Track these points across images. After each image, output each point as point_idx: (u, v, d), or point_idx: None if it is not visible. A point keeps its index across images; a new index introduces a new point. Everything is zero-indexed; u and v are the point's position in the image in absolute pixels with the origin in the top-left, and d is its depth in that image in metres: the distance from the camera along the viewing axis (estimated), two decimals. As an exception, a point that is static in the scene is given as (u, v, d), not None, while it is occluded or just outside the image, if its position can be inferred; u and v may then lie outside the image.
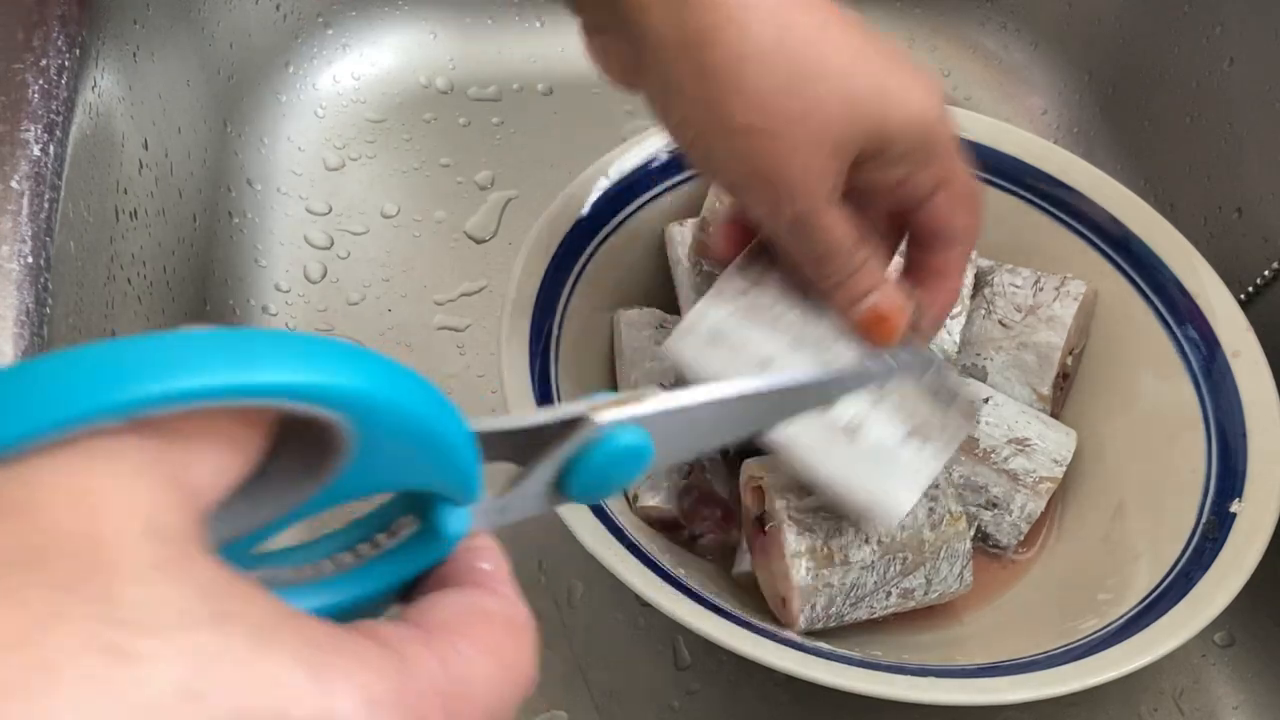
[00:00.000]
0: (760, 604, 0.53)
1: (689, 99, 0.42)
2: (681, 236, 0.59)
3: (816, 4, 0.43)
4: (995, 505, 0.55)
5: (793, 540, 0.50)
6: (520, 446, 0.29)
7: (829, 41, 0.42)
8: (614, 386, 0.58)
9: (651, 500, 0.53)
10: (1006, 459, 0.55)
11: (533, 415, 0.28)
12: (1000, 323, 0.58)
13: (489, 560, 0.28)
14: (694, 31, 0.41)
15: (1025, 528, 0.56)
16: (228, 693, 0.19)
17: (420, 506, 0.28)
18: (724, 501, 0.55)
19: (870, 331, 0.48)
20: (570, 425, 0.28)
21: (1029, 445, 0.56)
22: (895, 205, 0.48)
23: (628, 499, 0.54)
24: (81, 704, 0.18)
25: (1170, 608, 0.49)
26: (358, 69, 0.75)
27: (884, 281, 0.48)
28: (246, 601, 0.21)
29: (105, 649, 0.19)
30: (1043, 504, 0.55)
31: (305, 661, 0.21)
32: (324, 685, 0.21)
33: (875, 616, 0.52)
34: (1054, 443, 0.56)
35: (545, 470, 0.29)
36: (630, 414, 0.29)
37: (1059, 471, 0.56)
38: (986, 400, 0.56)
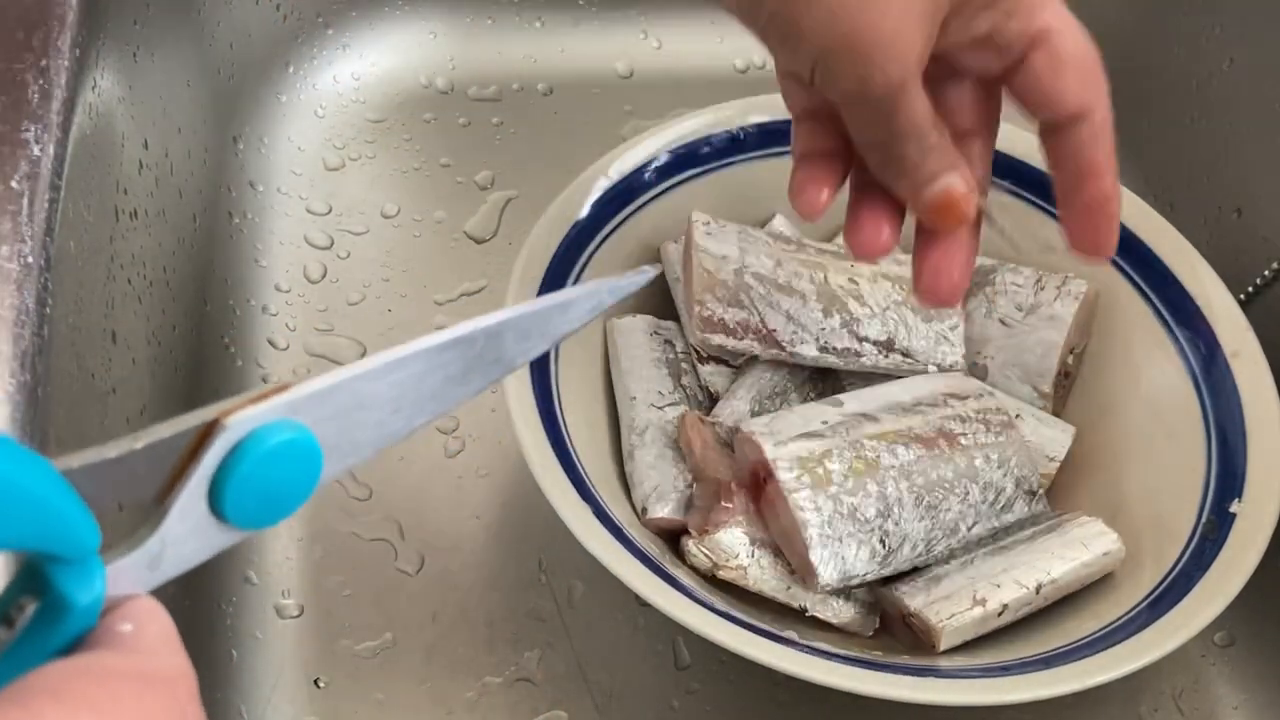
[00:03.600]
0: (761, 604, 0.53)
1: None
2: (679, 255, 0.59)
3: None
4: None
5: (787, 474, 0.50)
6: (145, 476, 0.24)
7: None
8: (611, 388, 0.58)
9: (661, 511, 0.53)
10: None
11: (146, 434, 0.23)
12: (1001, 321, 0.58)
13: (131, 620, 0.24)
14: None
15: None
16: None
17: (39, 582, 0.24)
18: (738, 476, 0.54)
19: (941, 215, 0.44)
20: (202, 437, 0.23)
21: None
22: (986, 71, 0.44)
23: (636, 511, 0.54)
24: None
25: (1170, 608, 0.49)
26: (358, 69, 0.75)
27: (959, 161, 0.44)
28: None
29: None
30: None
31: None
32: None
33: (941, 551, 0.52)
34: (1047, 438, 0.56)
35: (189, 499, 0.24)
36: (273, 406, 0.24)
37: (1052, 468, 0.56)
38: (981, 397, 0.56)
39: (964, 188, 0.44)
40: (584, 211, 0.57)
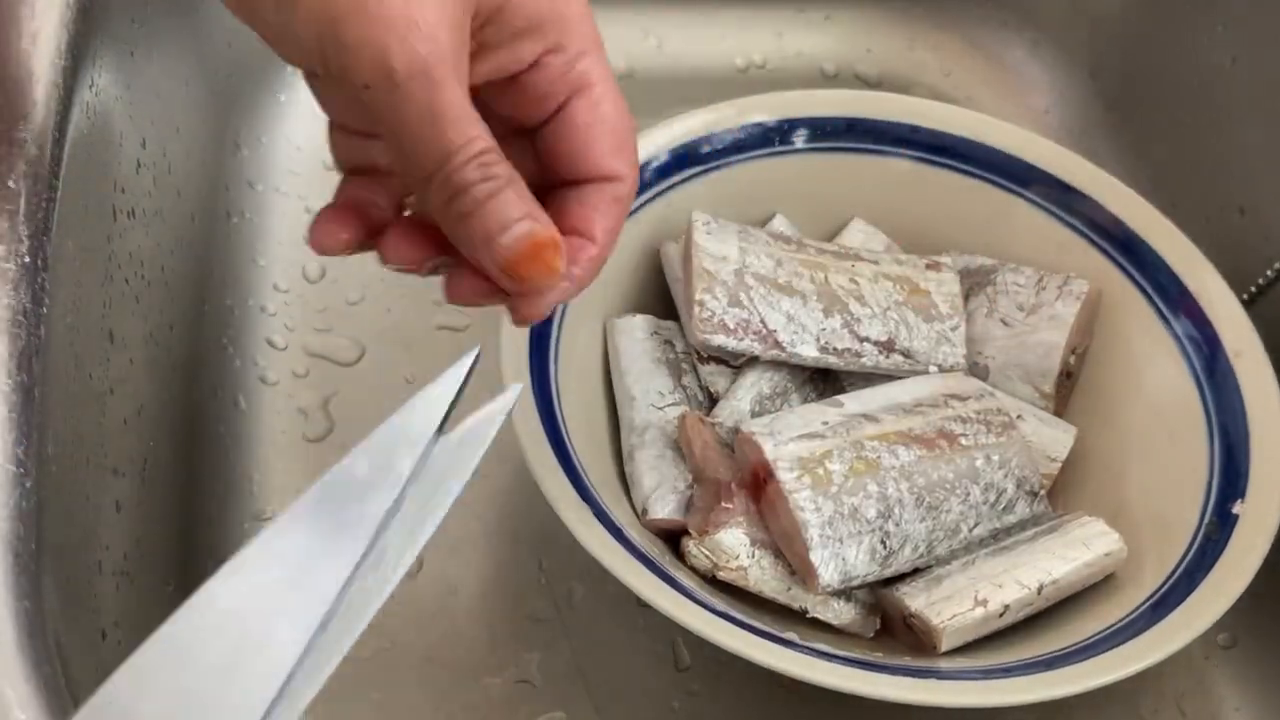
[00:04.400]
0: (761, 605, 0.52)
1: None
2: (679, 255, 0.59)
3: None
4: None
5: (788, 475, 0.50)
6: None
7: None
8: (611, 388, 0.58)
9: (661, 511, 0.53)
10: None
11: None
12: (1002, 321, 0.58)
13: None
14: None
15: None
16: None
17: None
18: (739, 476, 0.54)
19: (527, 269, 0.38)
20: None
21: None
22: (520, 115, 0.40)
23: (636, 512, 0.54)
24: None
25: (1172, 609, 0.49)
26: (357, 68, 0.74)
27: (537, 208, 0.38)
28: None
29: None
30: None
31: None
32: None
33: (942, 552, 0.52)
34: (1048, 439, 0.56)
35: None
36: None
37: (1053, 468, 0.56)
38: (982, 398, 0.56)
39: (550, 234, 0.38)
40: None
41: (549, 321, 0.55)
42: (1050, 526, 0.53)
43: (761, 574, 0.52)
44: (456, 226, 0.38)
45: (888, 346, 0.55)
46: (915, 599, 0.51)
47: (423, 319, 0.66)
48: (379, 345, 0.65)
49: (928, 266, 0.58)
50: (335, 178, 0.70)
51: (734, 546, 0.51)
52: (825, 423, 0.52)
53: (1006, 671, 0.49)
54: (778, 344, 0.54)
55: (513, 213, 0.37)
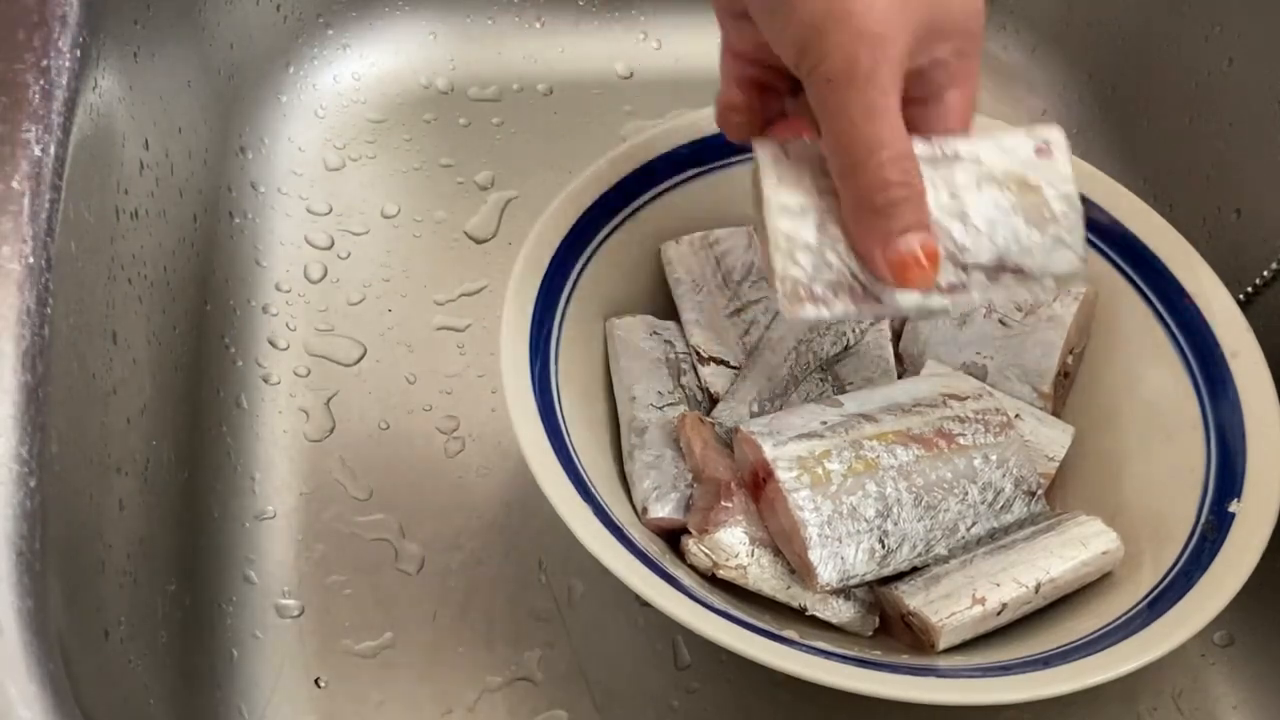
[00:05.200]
0: (760, 603, 0.53)
1: None
2: (679, 256, 0.59)
3: None
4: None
5: (787, 474, 0.50)
6: None
7: None
8: (611, 388, 0.58)
9: (661, 511, 0.53)
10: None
11: None
12: (1000, 322, 0.58)
13: None
14: None
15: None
16: None
17: None
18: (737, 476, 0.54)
19: (909, 274, 0.44)
20: None
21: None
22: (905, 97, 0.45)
23: (636, 511, 0.54)
24: None
25: (1169, 607, 0.49)
26: (358, 69, 0.75)
27: (929, 221, 0.45)
28: None
29: None
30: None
31: None
32: None
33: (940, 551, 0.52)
34: (1046, 439, 0.56)
35: None
36: None
37: (1051, 468, 0.56)
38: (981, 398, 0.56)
39: (929, 253, 0.45)
40: (584, 211, 0.57)
41: (549, 321, 0.55)
42: (1048, 525, 0.53)
43: (760, 572, 0.52)
44: (864, 213, 0.44)
45: (997, 269, 0.48)
46: (913, 597, 0.51)
47: (423, 319, 0.66)
48: (380, 345, 0.65)
49: (1037, 151, 0.48)
50: (336, 178, 0.71)
51: (733, 545, 0.51)
52: (824, 423, 0.52)
53: (1004, 669, 0.49)
54: (875, 298, 0.47)
55: (915, 220, 0.44)
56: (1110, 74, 0.74)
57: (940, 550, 0.52)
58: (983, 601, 0.51)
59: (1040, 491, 0.54)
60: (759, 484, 0.51)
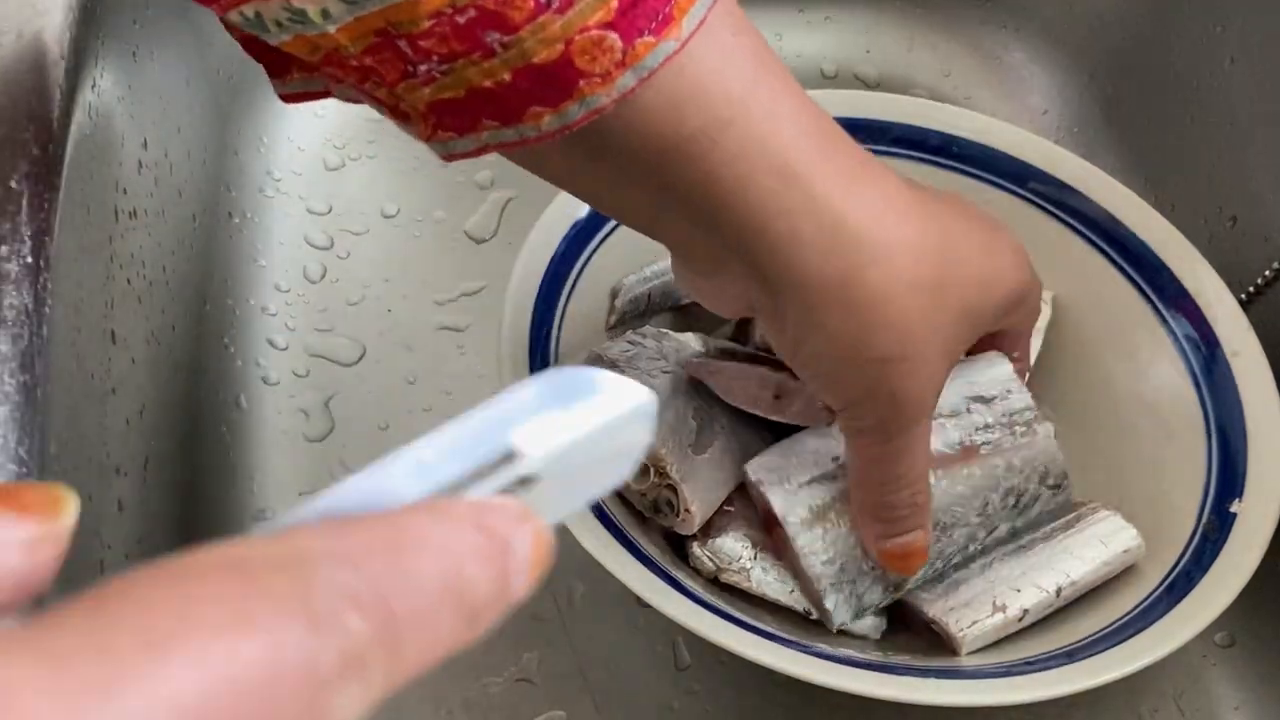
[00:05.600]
0: (763, 604, 0.52)
1: (829, 334, 0.42)
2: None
3: (943, 218, 0.43)
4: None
5: (796, 527, 0.50)
6: None
7: (955, 255, 0.43)
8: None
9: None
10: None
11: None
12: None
13: None
14: (839, 271, 0.41)
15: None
16: None
17: None
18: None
19: (895, 564, 0.49)
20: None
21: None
22: None
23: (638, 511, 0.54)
24: None
25: (1171, 608, 0.49)
26: (357, 69, 0.74)
27: (928, 519, 0.49)
28: None
29: None
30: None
31: None
32: None
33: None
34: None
35: None
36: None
37: None
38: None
39: (925, 543, 0.49)
40: (584, 211, 0.57)
41: (549, 323, 0.55)
42: (1066, 522, 0.53)
43: (764, 576, 0.52)
44: (869, 518, 0.48)
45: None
46: (933, 605, 0.51)
47: (423, 319, 0.66)
48: (380, 345, 0.65)
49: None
50: (336, 178, 0.71)
51: (735, 549, 0.51)
52: (837, 458, 0.51)
53: (1006, 671, 0.49)
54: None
55: (915, 524, 0.48)
56: (1112, 73, 0.74)
57: (957, 560, 0.52)
58: (1004, 609, 0.50)
59: (1066, 482, 0.53)
60: (771, 523, 0.51)
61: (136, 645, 0.16)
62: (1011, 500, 0.52)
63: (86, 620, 0.17)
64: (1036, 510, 0.53)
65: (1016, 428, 0.52)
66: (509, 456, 0.21)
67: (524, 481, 0.22)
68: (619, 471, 0.23)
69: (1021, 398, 0.52)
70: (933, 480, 0.50)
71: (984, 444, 0.51)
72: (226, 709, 0.17)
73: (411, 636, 0.19)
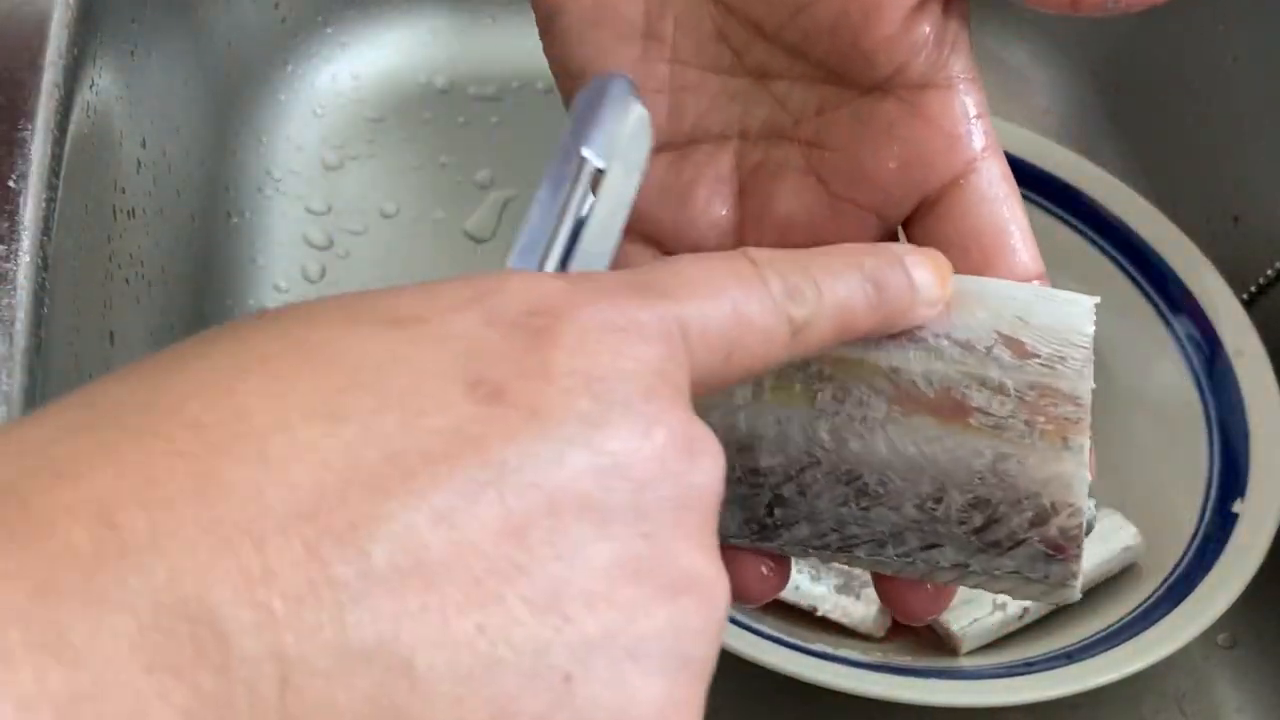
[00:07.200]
0: (766, 605, 0.52)
1: None
2: None
3: None
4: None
5: None
6: None
7: None
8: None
9: None
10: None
11: None
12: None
13: None
14: None
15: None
16: None
17: None
18: None
19: None
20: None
21: None
22: None
23: None
24: None
25: (1172, 609, 0.49)
26: (356, 68, 0.74)
27: None
28: None
29: None
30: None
31: None
32: None
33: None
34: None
35: None
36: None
37: None
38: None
39: None
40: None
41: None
42: None
43: None
44: None
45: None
46: None
47: (423, 319, 0.66)
48: (379, 345, 0.65)
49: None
50: (335, 177, 0.71)
51: None
52: None
53: (1006, 672, 0.49)
54: None
55: None
56: (1114, 73, 0.74)
57: (861, 554, 0.33)
58: (1004, 607, 0.50)
59: (1075, 559, 0.31)
60: None
61: (678, 284, 0.27)
62: (977, 522, 0.32)
63: (649, 272, 0.28)
64: (1012, 566, 0.32)
65: (1039, 420, 0.31)
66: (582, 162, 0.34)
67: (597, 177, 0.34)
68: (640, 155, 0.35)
69: (1075, 383, 0.32)
70: (881, 415, 0.31)
71: (978, 408, 0.31)
72: (727, 328, 0.27)
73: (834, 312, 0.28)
